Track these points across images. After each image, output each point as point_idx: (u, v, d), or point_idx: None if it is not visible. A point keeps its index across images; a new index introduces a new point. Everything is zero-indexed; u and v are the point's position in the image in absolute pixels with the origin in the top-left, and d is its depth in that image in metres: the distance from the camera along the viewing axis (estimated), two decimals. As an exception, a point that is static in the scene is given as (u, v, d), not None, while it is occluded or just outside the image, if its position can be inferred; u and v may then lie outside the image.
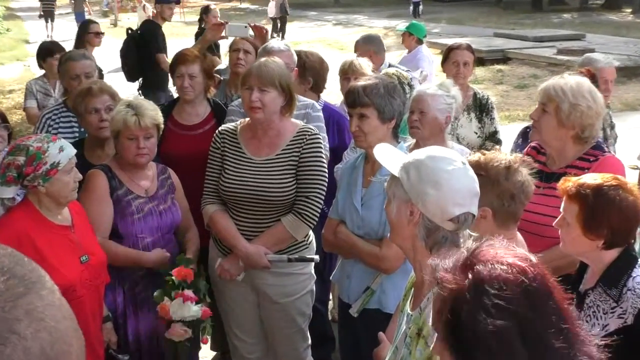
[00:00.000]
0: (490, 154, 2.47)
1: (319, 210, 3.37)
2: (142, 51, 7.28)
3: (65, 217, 2.95)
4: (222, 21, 4.83)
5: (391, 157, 2.12)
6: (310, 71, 4.51)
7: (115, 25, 27.70)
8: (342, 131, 4.32)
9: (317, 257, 3.46)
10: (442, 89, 3.64)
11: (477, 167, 2.37)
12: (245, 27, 4.59)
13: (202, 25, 8.93)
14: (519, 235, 2.52)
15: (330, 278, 3.56)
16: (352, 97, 3.07)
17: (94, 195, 3.26)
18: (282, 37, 22.22)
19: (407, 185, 1.97)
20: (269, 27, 23.48)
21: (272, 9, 23.61)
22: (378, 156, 2.16)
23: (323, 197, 3.37)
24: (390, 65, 5.68)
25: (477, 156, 2.46)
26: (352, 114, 3.10)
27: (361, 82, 3.12)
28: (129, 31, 7.54)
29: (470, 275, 1.39)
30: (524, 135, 3.99)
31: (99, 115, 3.60)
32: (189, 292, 3.19)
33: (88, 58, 4.33)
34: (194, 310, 3.18)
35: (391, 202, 2.03)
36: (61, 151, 2.80)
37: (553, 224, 2.53)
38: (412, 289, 2.14)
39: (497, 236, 2.37)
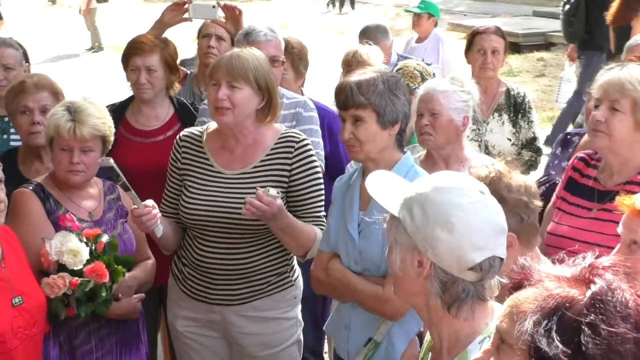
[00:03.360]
0: (472, 170, 2.55)
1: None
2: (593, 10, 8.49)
3: None
4: None
5: (389, 189, 2.07)
6: (303, 61, 4.52)
7: (53, 2, 27.76)
8: (334, 136, 4.33)
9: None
10: (455, 83, 3.67)
11: None
12: (214, 6, 4.56)
13: None
14: (537, 251, 2.60)
15: (324, 329, 3.55)
16: (344, 96, 3.05)
17: (30, 221, 3.25)
18: (352, 7, 24.04)
19: (411, 228, 1.92)
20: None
21: None
22: (371, 189, 2.09)
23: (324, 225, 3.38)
24: (400, 58, 5.70)
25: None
26: (344, 117, 3.09)
27: (354, 77, 3.10)
28: None
29: (593, 283, 1.45)
30: (564, 143, 3.99)
31: (31, 117, 3.62)
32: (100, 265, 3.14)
33: (11, 46, 4.33)
34: (82, 249, 3.08)
35: (393, 250, 1.98)
36: None
37: (612, 255, 2.53)
38: (430, 353, 2.11)
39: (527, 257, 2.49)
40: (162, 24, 4.67)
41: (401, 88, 3.09)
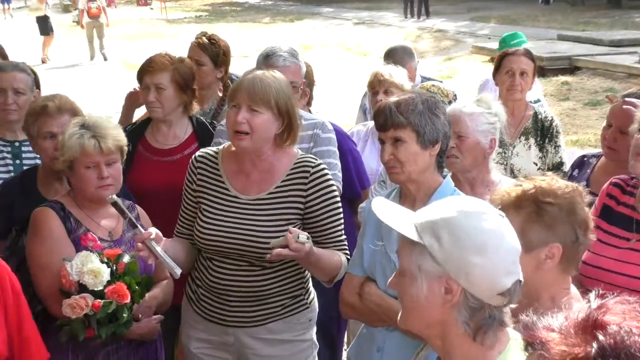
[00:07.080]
0: (548, 179, 2.50)
1: None
2: None
3: None
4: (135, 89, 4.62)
5: (399, 215, 2.01)
6: (307, 79, 4.50)
7: (79, 23, 28.03)
8: (345, 155, 4.27)
9: None
10: (482, 105, 3.62)
11: (543, 194, 2.39)
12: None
13: None
14: (573, 288, 2.52)
15: (345, 351, 3.47)
16: (383, 117, 3.02)
17: (50, 240, 3.24)
18: (427, 16, 27.52)
19: (440, 255, 1.87)
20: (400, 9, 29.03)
21: None
22: (380, 213, 2.03)
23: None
24: (424, 80, 5.63)
25: (537, 182, 2.48)
26: (383, 139, 3.05)
27: (394, 98, 3.08)
28: None
29: (597, 339, 1.35)
30: (581, 165, 3.96)
31: (55, 142, 3.56)
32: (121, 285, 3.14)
33: (23, 70, 4.31)
34: (103, 270, 3.07)
35: (416, 279, 1.92)
36: None
37: None
38: None
39: (558, 285, 2.40)
40: (128, 107, 4.70)
41: (440, 108, 3.06)
